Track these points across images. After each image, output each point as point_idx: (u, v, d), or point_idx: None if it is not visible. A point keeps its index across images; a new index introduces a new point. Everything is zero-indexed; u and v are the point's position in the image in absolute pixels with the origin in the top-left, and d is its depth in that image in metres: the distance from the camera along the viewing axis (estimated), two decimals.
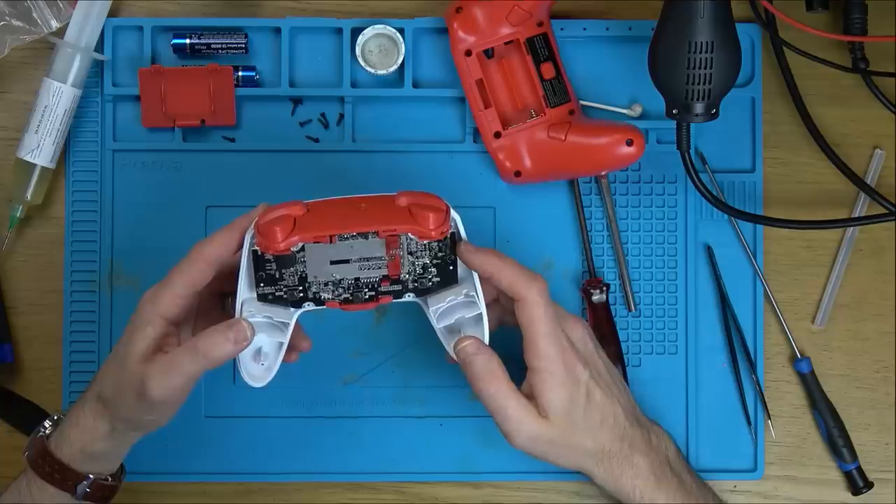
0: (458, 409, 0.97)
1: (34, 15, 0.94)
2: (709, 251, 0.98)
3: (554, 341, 0.83)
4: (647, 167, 0.97)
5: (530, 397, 0.83)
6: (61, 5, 0.94)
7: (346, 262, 0.81)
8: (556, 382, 0.83)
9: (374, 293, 0.82)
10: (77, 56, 0.94)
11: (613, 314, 0.97)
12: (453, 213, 0.81)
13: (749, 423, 0.98)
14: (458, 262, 0.83)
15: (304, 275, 0.81)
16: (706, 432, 0.97)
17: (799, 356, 0.98)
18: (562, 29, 0.97)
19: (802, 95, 0.97)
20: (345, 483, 0.97)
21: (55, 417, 0.88)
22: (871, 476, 0.98)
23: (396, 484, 0.98)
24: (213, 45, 0.96)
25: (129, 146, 0.97)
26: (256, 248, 0.80)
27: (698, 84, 0.87)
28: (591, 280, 0.97)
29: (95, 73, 0.96)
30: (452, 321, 0.83)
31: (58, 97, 0.93)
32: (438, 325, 0.83)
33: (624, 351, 0.97)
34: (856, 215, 0.98)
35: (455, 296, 0.83)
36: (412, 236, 0.80)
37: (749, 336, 0.98)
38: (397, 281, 0.82)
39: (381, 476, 0.97)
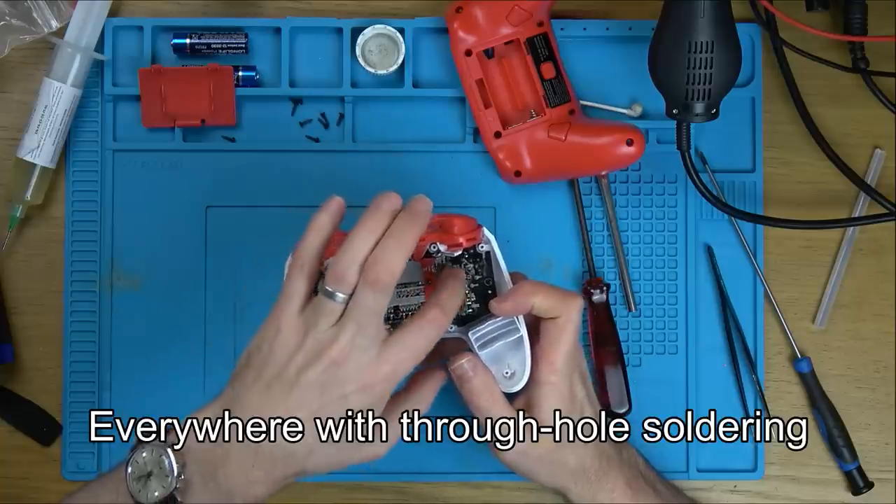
0: (458, 409, 0.96)
1: (34, 15, 0.93)
2: (709, 251, 0.98)
3: (570, 360, 0.83)
4: (647, 167, 0.97)
5: (524, 411, 0.84)
6: (61, 5, 0.94)
7: None
8: (557, 399, 0.83)
9: None
10: (77, 56, 0.94)
11: (613, 314, 0.97)
12: (487, 233, 0.82)
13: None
14: (497, 287, 0.83)
15: None
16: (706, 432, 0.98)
17: (799, 356, 0.98)
18: (562, 29, 0.97)
19: (802, 95, 0.97)
20: (344, 483, 0.97)
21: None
22: (871, 476, 0.98)
23: (396, 484, 0.98)
24: (213, 45, 0.96)
25: (129, 146, 0.97)
26: None
27: (698, 84, 0.87)
28: (591, 280, 0.97)
29: (95, 73, 0.96)
30: (494, 347, 0.83)
31: (58, 97, 0.93)
32: (480, 353, 0.83)
33: (624, 351, 0.97)
34: (856, 215, 0.98)
35: (494, 320, 0.83)
36: (446, 254, 0.80)
37: (749, 336, 0.98)
38: None
39: (381, 476, 0.97)
